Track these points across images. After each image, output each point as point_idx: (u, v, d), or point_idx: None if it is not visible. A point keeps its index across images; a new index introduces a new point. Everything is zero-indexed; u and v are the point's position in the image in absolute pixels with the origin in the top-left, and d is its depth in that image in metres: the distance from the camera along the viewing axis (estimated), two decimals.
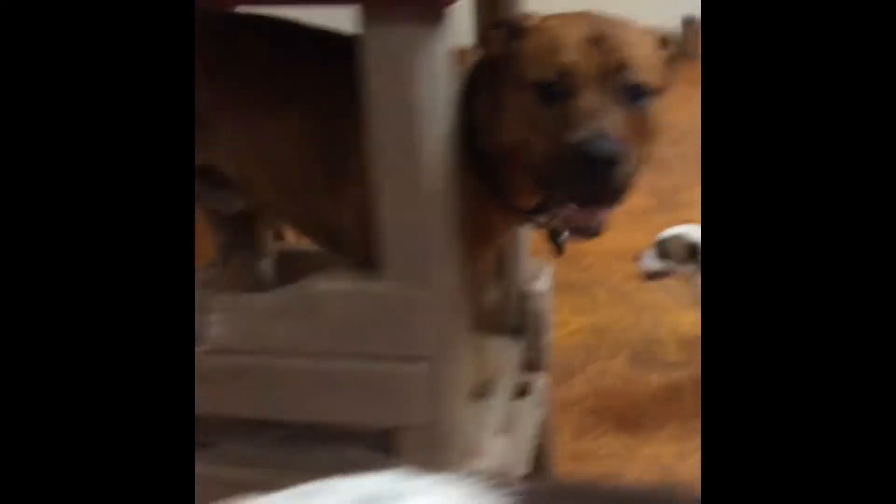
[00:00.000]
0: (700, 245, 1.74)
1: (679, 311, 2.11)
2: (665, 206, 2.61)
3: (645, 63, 0.84)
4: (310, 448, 1.08)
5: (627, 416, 1.78)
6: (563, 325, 2.10)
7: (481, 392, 1.17)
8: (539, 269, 1.37)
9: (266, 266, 1.44)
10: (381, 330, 0.91)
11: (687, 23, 4.06)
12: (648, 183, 2.75)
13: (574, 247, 2.29)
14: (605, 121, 0.79)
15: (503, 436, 1.13)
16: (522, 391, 1.31)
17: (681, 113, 3.32)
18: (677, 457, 1.65)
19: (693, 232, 1.80)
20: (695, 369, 1.89)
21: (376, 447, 1.02)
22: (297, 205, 1.10)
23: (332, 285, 0.91)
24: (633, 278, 2.13)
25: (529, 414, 1.26)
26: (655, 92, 0.86)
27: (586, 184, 0.80)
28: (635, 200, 2.59)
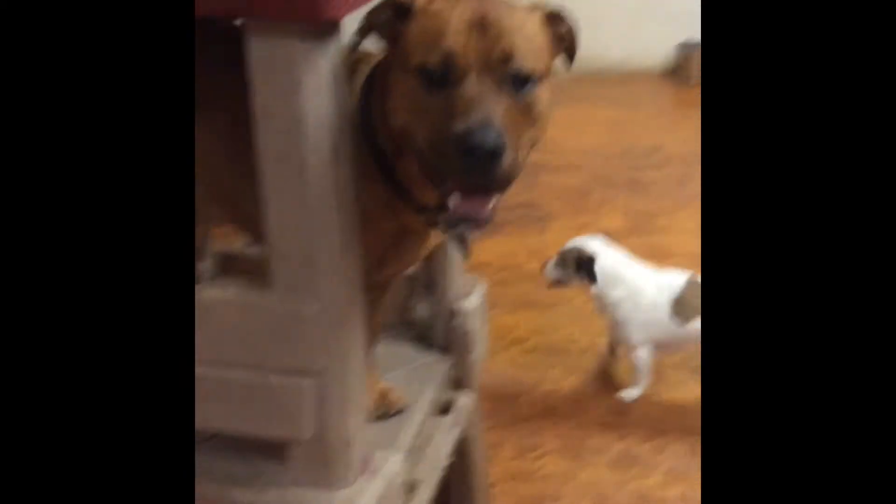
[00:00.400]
0: (589, 257, 1.82)
1: None
2: (640, 229, 2.60)
3: (530, 48, 0.84)
4: (223, 453, 1.08)
5: (571, 438, 1.77)
6: (519, 342, 2.10)
7: (382, 407, 1.17)
8: (471, 285, 1.37)
9: (205, 268, 1.44)
10: (269, 341, 0.91)
11: (682, 49, 4.05)
12: (625, 205, 2.78)
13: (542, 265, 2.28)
14: (488, 110, 0.78)
15: (407, 453, 1.13)
16: (445, 409, 1.31)
17: (667, 137, 3.34)
18: (617, 484, 1.64)
19: (587, 244, 1.86)
20: (644, 396, 1.88)
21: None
22: (226, 206, 1.11)
23: (222, 294, 0.91)
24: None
25: (446, 432, 1.26)
26: (541, 77, 0.85)
27: (469, 174, 0.79)
28: (610, 221, 2.57)
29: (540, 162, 3.07)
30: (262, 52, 0.80)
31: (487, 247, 2.49)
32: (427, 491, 1.16)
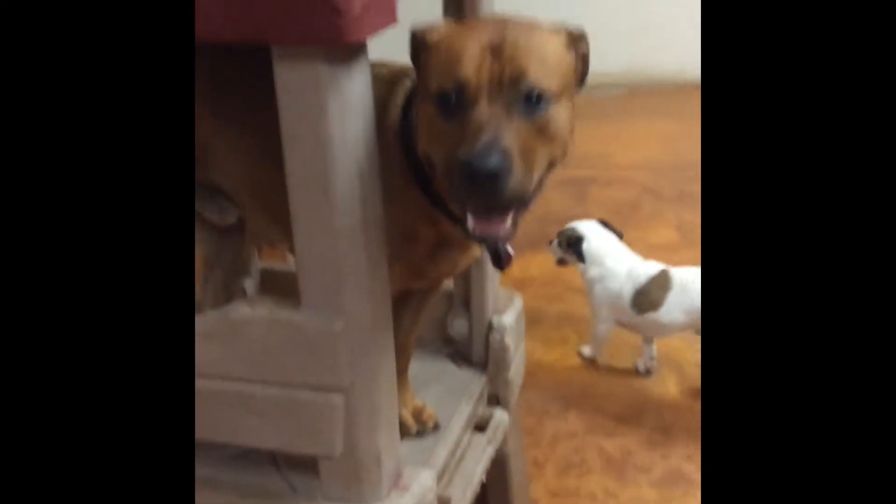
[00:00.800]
0: (578, 237, 1.99)
1: (685, 350, 2.07)
2: (691, 242, 2.56)
3: (545, 68, 0.84)
4: (258, 468, 1.10)
5: (615, 456, 1.75)
6: (564, 359, 2.08)
7: (416, 425, 1.17)
8: (509, 300, 1.37)
9: (249, 285, 1.47)
10: (298, 358, 0.92)
11: None
12: (676, 218, 2.74)
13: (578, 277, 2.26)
14: (494, 133, 0.79)
15: (440, 470, 1.13)
16: (482, 426, 1.31)
17: None
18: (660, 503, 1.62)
19: (579, 227, 2.02)
20: (691, 416, 1.85)
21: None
22: (282, 229, 1.13)
23: (252, 312, 0.93)
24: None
25: (482, 450, 1.26)
26: (558, 96, 0.85)
27: (475, 196, 0.81)
28: (661, 235, 2.55)
29: (589, 176, 3.05)
30: (287, 77, 0.82)
31: (532, 261, 2.48)
32: None
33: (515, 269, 2.43)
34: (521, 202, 0.83)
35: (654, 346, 2.00)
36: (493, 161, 0.77)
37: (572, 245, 2.00)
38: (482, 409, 1.32)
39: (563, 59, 0.88)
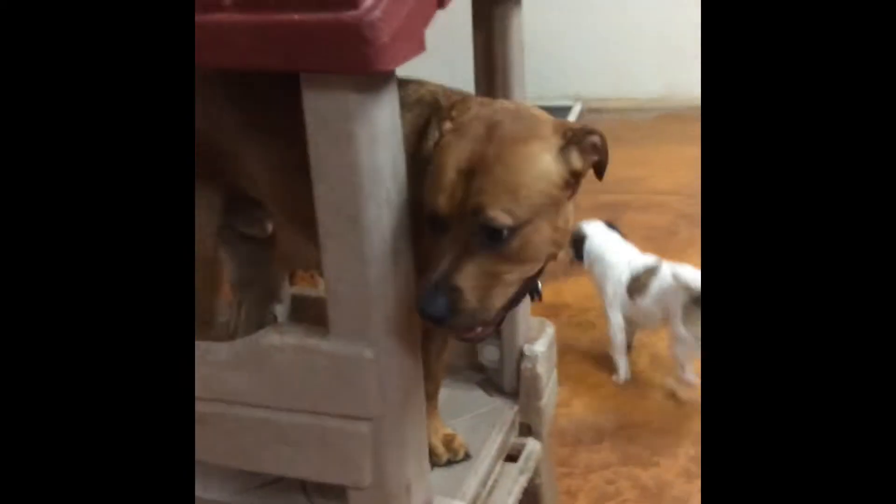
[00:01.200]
0: (580, 237, 2.09)
1: None
2: None
3: (512, 199, 0.82)
4: (287, 495, 1.10)
5: (651, 487, 1.71)
6: (598, 387, 2.05)
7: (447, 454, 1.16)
8: (540, 328, 1.35)
9: (280, 311, 1.48)
10: (327, 387, 0.92)
11: None
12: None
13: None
14: (444, 272, 0.82)
15: (471, 500, 1.11)
16: (513, 455, 1.29)
17: None
18: None
19: (583, 227, 2.13)
20: None
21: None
22: (308, 237, 1.13)
23: (281, 340, 0.93)
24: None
25: (514, 480, 1.24)
26: (530, 221, 0.83)
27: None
28: (697, 260, 2.48)
29: (624, 201, 3.03)
30: (316, 105, 0.82)
31: (567, 288, 2.46)
32: None
33: (548, 295, 2.41)
34: (482, 323, 0.86)
35: (692, 366, 1.98)
36: (437, 309, 0.81)
37: (574, 245, 2.08)
38: (514, 439, 1.30)
39: (545, 176, 0.84)
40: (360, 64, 0.77)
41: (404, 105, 0.91)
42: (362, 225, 0.85)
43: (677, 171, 3.42)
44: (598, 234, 2.10)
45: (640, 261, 2.03)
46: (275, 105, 1.04)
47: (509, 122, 0.85)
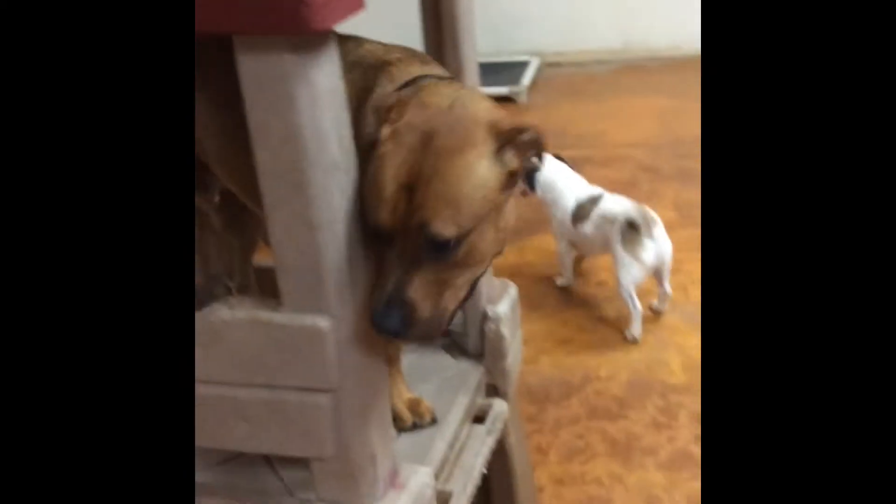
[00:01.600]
0: (533, 168, 2.20)
1: (687, 334, 2.04)
2: (690, 220, 2.53)
3: (454, 211, 0.82)
4: (251, 469, 1.08)
5: (620, 440, 1.72)
6: (565, 343, 2.05)
7: (412, 419, 1.15)
8: (503, 289, 1.34)
9: (233, 285, 1.45)
10: (283, 360, 0.90)
11: None
12: (674, 196, 2.71)
13: (589, 262, 2.27)
14: (395, 285, 0.83)
15: (439, 464, 1.11)
16: (480, 417, 1.28)
17: None
18: (667, 487, 1.59)
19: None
20: (696, 397, 1.82)
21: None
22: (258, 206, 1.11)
23: (231, 314, 0.90)
24: (646, 295, 2.08)
25: (481, 441, 1.23)
26: (475, 228, 0.83)
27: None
28: (659, 213, 2.50)
29: (585, 155, 3.02)
30: (252, 68, 0.78)
31: (529, 245, 2.45)
32: (461, 502, 1.14)
33: (511, 255, 2.41)
34: (435, 332, 0.87)
35: (667, 284, 2.11)
36: (392, 324, 0.83)
37: (527, 175, 2.22)
38: (480, 401, 1.30)
39: (483, 184, 0.83)
40: (296, 24, 0.74)
41: (343, 66, 0.87)
42: (308, 190, 0.82)
43: (637, 123, 3.42)
44: (549, 166, 2.28)
45: (585, 191, 2.21)
46: (213, 68, 1.00)
47: (444, 130, 0.84)
